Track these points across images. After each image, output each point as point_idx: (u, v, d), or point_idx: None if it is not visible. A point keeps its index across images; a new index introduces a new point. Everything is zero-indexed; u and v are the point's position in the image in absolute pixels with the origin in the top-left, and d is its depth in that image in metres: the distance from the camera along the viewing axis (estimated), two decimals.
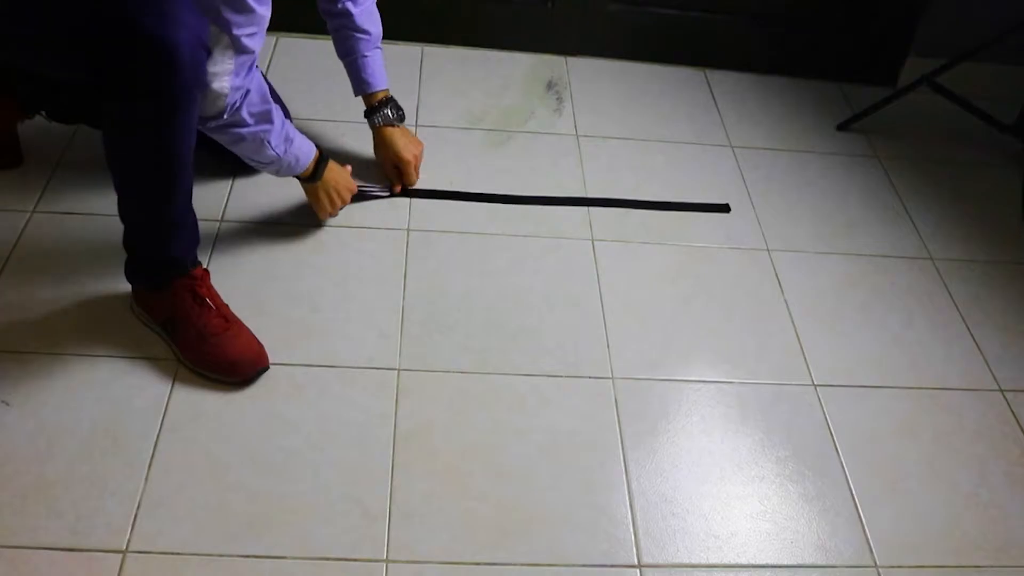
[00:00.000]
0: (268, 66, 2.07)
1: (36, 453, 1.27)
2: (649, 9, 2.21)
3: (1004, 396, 1.55)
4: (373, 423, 1.36)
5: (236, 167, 1.68)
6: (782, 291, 1.69)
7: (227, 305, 1.43)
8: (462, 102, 2.05)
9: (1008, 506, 1.38)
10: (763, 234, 1.81)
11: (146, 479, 1.25)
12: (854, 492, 1.37)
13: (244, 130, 1.36)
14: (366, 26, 1.67)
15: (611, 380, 1.48)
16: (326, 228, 1.66)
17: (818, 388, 1.52)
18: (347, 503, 1.26)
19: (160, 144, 1.22)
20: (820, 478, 1.38)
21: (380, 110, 1.73)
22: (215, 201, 1.69)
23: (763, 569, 1.27)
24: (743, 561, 1.27)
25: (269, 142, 1.41)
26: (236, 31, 1.22)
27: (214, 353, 1.37)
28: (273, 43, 2.14)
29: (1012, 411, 1.53)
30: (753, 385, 1.51)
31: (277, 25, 2.08)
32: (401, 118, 1.76)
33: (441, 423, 1.38)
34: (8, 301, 1.46)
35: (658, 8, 2.21)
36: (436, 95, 2.06)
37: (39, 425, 1.30)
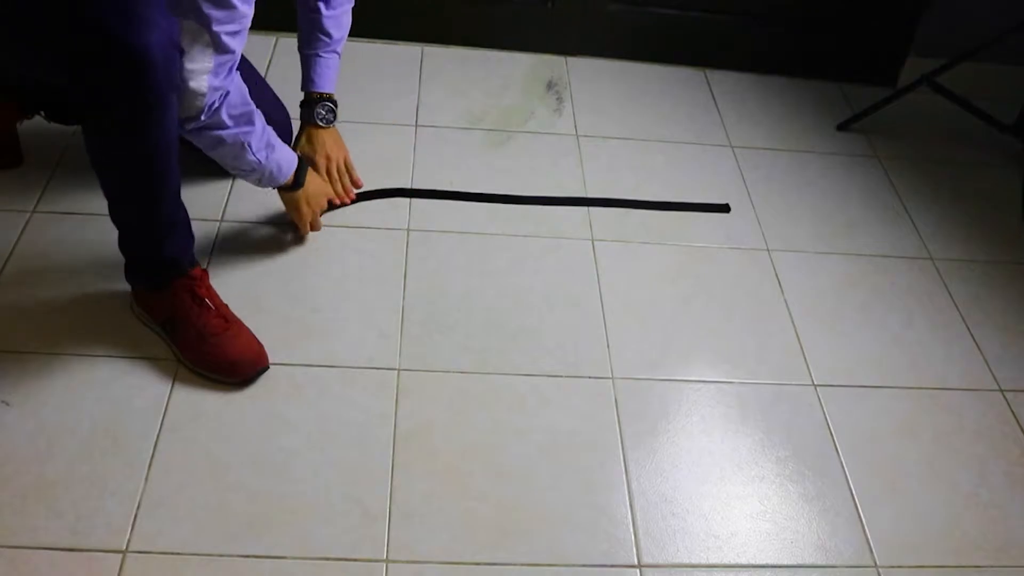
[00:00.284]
0: (268, 66, 2.07)
1: (36, 453, 1.27)
2: (649, 9, 2.21)
3: (1004, 396, 1.55)
4: (373, 423, 1.36)
5: None
6: (782, 291, 1.69)
7: (227, 305, 1.43)
8: (462, 102, 2.05)
9: (1008, 506, 1.38)
10: (763, 234, 1.81)
11: (146, 479, 1.25)
12: (854, 492, 1.37)
13: (224, 132, 1.33)
14: (330, 29, 1.65)
15: (611, 380, 1.48)
16: (326, 228, 1.66)
17: (818, 388, 1.52)
18: (347, 503, 1.26)
19: (139, 147, 1.22)
20: (820, 478, 1.38)
21: (312, 107, 1.69)
22: (215, 201, 1.69)
23: (763, 569, 1.27)
24: (743, 561, 1.27)
25: (250, 145, 1.37)
26: (216, 27, 1.20)
27: (214, 353, 1.37)
28: (273, 43, 2.14)
29: (1012, 411, 1.53)
30: (753, 385, 1.51)
31: (277, 25, 2.10)
32: (329, 121, 1.71)
33: (441, 423, 1.38)
34: (8, 301, 1.46)
35: (658, 8, 2.21)
36: (436, 95, 2.06)
37: (39, 425, 1.30)
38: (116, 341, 1.42)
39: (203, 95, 1.24)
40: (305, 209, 1.57)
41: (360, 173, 1.78)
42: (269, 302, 1.52)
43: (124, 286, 1.44)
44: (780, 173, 1.98)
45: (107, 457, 1.27)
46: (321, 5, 1.62)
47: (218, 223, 1.65)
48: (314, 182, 1.59)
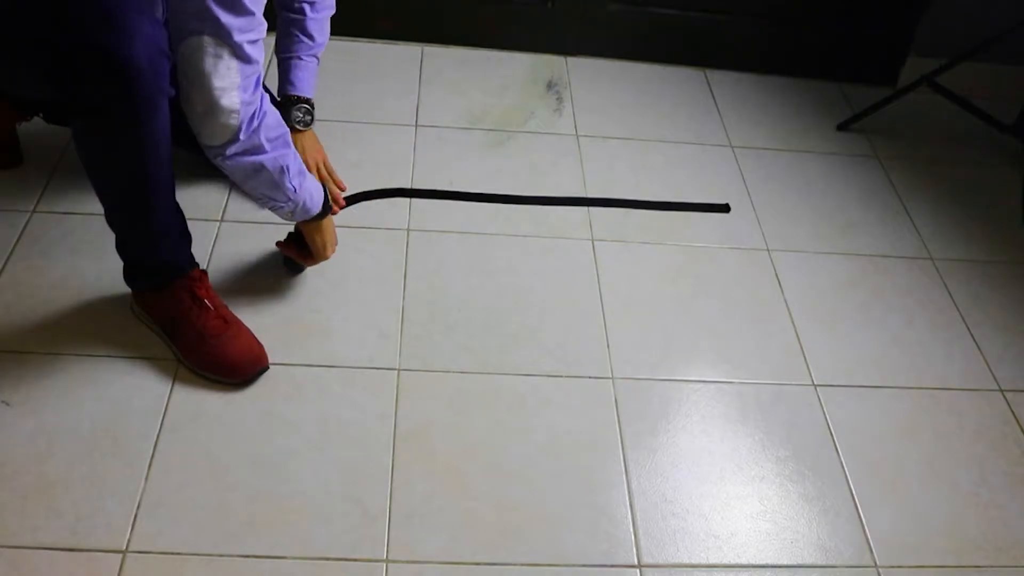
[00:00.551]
0: (268, 66, 2.07)
1: (36, 453, 1.27)
2: (649, 9, 2.21)
3: (1004, 396, 1.55)
4: (373, 423, 1.36)
5: None
6: (782, 291, 1.69)
7: (226, 306, 1.43)
8: (462, 102, 2.05)
9: (1008, 506, 1.38)
10: (763, 234, 1.81)
11: (146, 479, 1.25)
12: (854, 492, 1.37)
13: (263, 156, 1.27)
14: (313, 32, 1.62)
15: (611, 380, 1.48)
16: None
17: (818, 388, 1.52)
18: (347, 503, 1.26)
19: (129, 155, 1.20)
20: (820, 478, 1.38)
21: (288, 110, 1.64)
22: (215, 201, 1.69)
23: (763, 569, 1.27)
24: (743, 561, 1.27)
25: (288, 168, 1.30)
26: (238, 37, 1.15)
27: (214, 354, 1.37)
28: (273, 43, 2.13)
29: (1012, 411, 1.53)
30: (753, 385, 1.51)
31: (273, 25, 2.09)
32: (307, 124, 1.67)
33: (441, 423, 1.38)
34: (8, 301, 1.46)
35: (658, 8, 2.21)
36: (436, 95, 2.06)
37: (39, 425, 1.30)
38: (116, 341, 1.42)
39: (236, 112, 1.19)
40: (327, 239, 1.50)
41: (360, 173, 1.78)
42: (269, 302, 1.52)
43: (124, 286, 1.44)
44: (780, 173, 1.98)
45: (107, 457, 1.27)
46: (306, 7, 1.60)
47: (218, 223, 1.65)
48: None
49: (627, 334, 1.56)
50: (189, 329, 1.38)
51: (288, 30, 1.63)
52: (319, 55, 1.67)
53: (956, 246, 1.85)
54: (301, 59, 1.64)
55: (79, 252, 1.55)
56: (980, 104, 1.97)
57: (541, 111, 2.06)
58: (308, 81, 1.66)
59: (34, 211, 1.62)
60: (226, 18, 1.13)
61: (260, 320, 1.46)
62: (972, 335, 1.66)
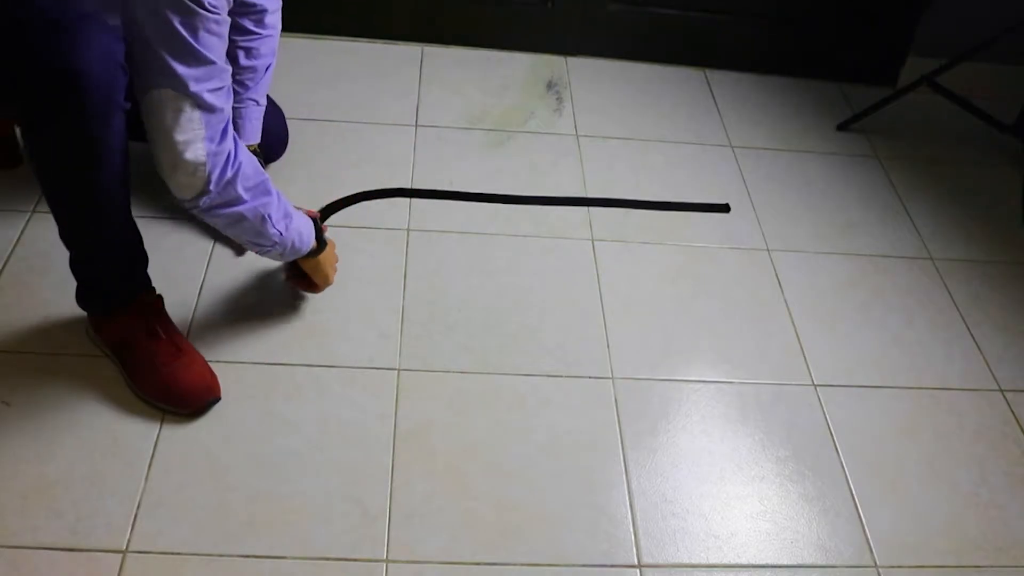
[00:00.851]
0: None
1: (36, 453, 1.27)
2: (649, 9, 2.21)
3: (1004, 396, 1.55)
4: (373, 423, 1.36)
5: None
6: (782, 291, 1.69)
7: (181, 334, 1.39)
8: (462, 102, 2.05)
9: (1008, 506, 1.38)
10: (763, 234, 1.81)
11: (146, 479, 1.25)
12: (854, 492, 1.37)
13: (242, 207, 1.23)
14: (246, 80, 1.56)
15: (611, 380, 1.48)
16: (326, 228, 1.66)
17: (818, 388, 1.52)
18: (347, 503, 1.26)
19: (80, 168, 1.16)
20: (820, 478, 1.38)
21: None
22: None
23: (763, 569, 1.27)
24: (743, 561, 1.27)
25: (270, 217, 1.27)
26: (196, 87, 1.11)
27: (164, 383, 1.32)
28: None
29: (1012, 411, 1.53)
30: (753, 385, 1.51)
31: None
32: None
33: (441, 423, 1.38)
34: (8, 301, 1.46)
35: (658, 8, 2.21)
36: (436, 95, 2.06)
37: (39, 425, 1.30)
38: None
39: (203, 164, 1.15)
40: (328, 270, 1.47)
41: (360, 173, 1.78)
42: (269, 302, 1.52)
43: None
44: (780, 173, 1.98)
45: (107, 457, 1.27)
46: (240, 54, 1.53)
47: None
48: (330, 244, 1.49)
49: (627, 334, 1.56)
50: (139, 356, 1.33)
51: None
52: (258, 99, 1.60)
53: (956, 246, 1.85)
54: (235, 107, 1.54)
55: None
56: (980, 104, 1.97)
57: (541, 111, 2.06)
58: (250, 128, 1.60)
59: (34, 211, 1.62)
60: (182, 69, 1.10)
61: (260, 320, 1.46)
62: (972, 335, 1.66)
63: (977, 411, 1.52)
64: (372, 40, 2.19)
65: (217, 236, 1.61)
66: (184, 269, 1.55)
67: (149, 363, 1.33)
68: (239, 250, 1.60)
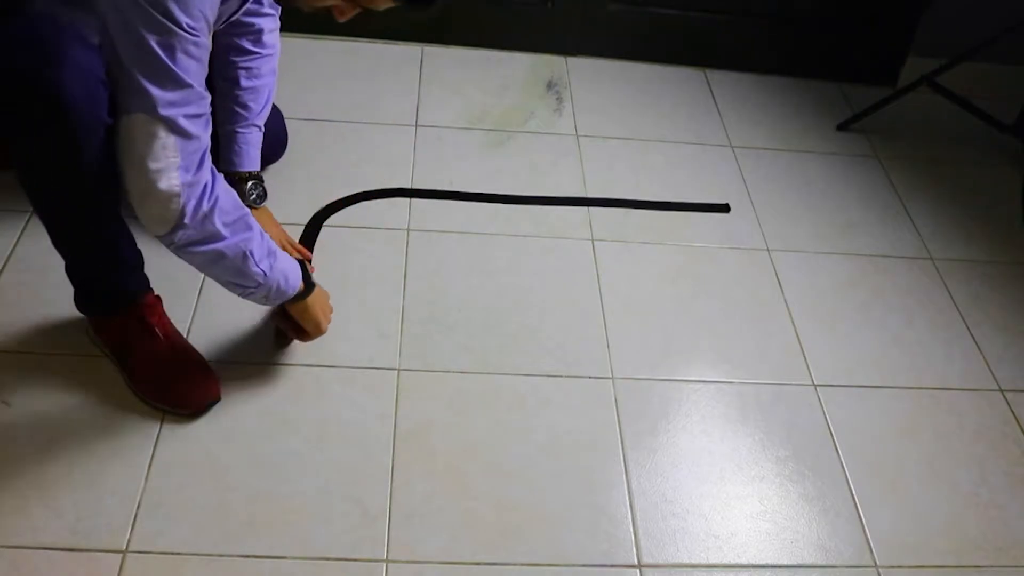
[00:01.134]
0: None
1: (36, 453, 1.27)
2: (649, 9, 2.21)
3: (1004, 396, 1.55)
4: (373, 423, 1.36)
5: None
6: (782, 291, 1.69)
7: (180, 334, 1.39)
8: (462, 102, 2.05)
9: (1008, 506, 1.38)
10: (763, 234, 1.81)
11: (146, 479, 1.25)
12: (854, 492, 1.37)
13: (221, 244, 1.16)
14: (248, 101, 1.49)
15: (611, 380, 1.48)
16: (326, 228, 1.66)
17: (818, 388, 1.52)
18: (347, 503, 1.26)
19: (64, 187, 1.15)
20: (820, 478, 1.38)
21: (238, 187, 1.48)
22: None
23: (763, 569, 1.27)
24: (743, 561, 1.27)
25: (252, 254, 1.20)
26: (171, 112, 1.06)
27: (164, 384, 1.33)
28: None
29: (1012, 411, 1.53)
30: (753, 385, 1.51)
31: None
32: (261, 199, 1.52)
33: (441, 423, 1.38)
34: (8, 301, 1.46)
35: (658, 8, 2.21)
36: (436, 95, 2.06)
37: (39, 425, 1.30)
38: None
39: (177, 195, 1.09)
40: (320, 317, 1.39)
41: (360, 173, 1.78)
42: None
43: None
44: (780, 173, 1.98)
45: (107, 457, 1.27)
46: (241, 74, 1.47)
47: None
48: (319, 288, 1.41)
49: (627, 334, 1.56)
50: (139, 357, 1.33)
51: (224, 100, 1.48)
52: (259, 124, 1.53)
53: (956, 246, 1.85)
54: (238, 131, 1.50)
55: None
56: (980, 104, 1.97)
57: (541, 111, 2.06)
58: (251, 155, 1.52)
59: (34, 211, 1.62)
60: (157, 92, 1.04)
61: (259, 320, 1.46)
62: (972, 335, 1.66)
63: (977, 411, 1.52)
64: (372, 40, 2.19)
65: None
66: (184, 269, 1.55)
67: (149, 364, 1.34)
68: None
